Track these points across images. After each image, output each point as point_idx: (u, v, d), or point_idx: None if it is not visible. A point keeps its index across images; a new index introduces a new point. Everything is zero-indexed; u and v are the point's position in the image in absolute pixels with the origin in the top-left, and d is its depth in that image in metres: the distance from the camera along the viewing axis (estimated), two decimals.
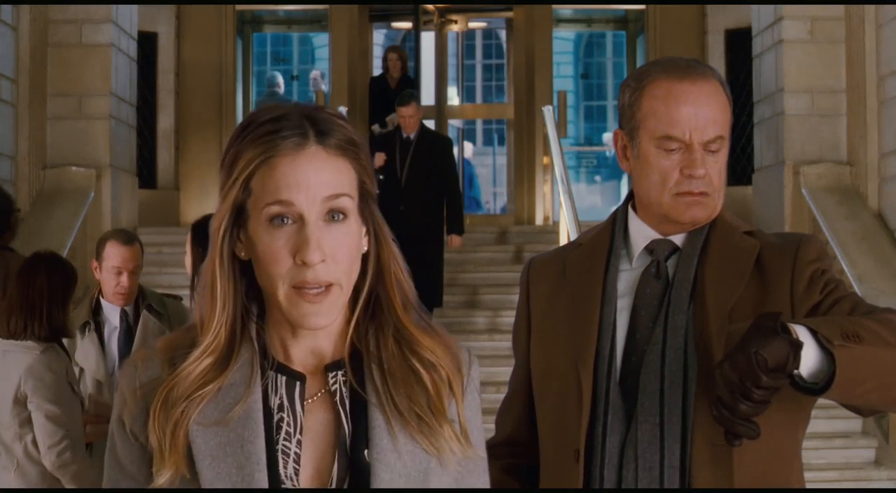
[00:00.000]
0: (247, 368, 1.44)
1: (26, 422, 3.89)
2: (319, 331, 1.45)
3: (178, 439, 1.39)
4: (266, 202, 1.40)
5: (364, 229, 1.46)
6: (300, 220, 1.39)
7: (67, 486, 3.91)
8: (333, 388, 1.46)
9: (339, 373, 1.46)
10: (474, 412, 1.52)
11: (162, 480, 1.39)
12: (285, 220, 1.39)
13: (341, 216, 1.41)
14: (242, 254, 1.45)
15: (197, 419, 1.40)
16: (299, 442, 1.43)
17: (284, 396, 1.44)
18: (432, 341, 1.48)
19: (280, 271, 1.39)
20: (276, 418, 1.43)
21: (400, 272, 1.49)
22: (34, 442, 3.89)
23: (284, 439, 1.42)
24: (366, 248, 1.47)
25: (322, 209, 1.40)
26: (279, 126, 1.41)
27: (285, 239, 1.39)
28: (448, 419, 1.45)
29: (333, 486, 1.42)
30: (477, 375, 1.54)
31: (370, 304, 1.48)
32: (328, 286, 1.40)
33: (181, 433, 1.39)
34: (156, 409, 1.41)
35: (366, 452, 1.42)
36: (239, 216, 1.44)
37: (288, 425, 1.43)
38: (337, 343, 1.48)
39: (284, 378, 1.45)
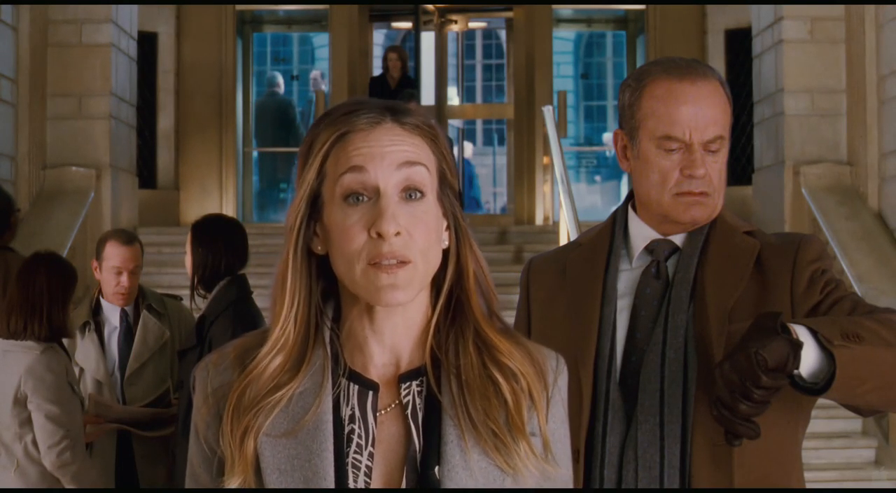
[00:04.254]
0: (318, 375, 1.39)
1: (26, 422, 3.89)
2: (399, 328, 1.40)
3: (248, 447, 1.36)
4: (339, 172, 1.36)
5: (445, 223, 1.42)
6: (375, 194, 1.35)
7: (67, 486, 3.91)
8: (406, 400, 1.40)
9: (413, 383, 1.40)
10: (559, 423, 1.44)
11: (230, 486, 1.36)
12: (361, 198, 1.35)
13: (418, 195, 1.36)
14: (319, 248, 1.40)
15: (266, 430, 1.36)
16: (371, 455, 1.38)
17: (356, 406, 1.39)
18: (513, 348, 1.42)
19: (356, 248, 1.34)
20: (347, 429, 1.38)
21: (482, 273, 1.43)
22: (34, 442, 3.89)
23: (355, 451, 1.38)
24: (446, 243, 1.42)
25: (398, 181, 1.35)
26: (355, 108, 1.39)
27: (359, 215, 1.35)
28: (526, 434, 1.38)
29: None
30: (564, 383, 1.46)
31: (451, 305, 1.43)
32: (404, 262, 1.34)
33: (250, 442, 1.36)
34: (229, 413, 1.37)
35: (437, 468, 1.36)
36: (314, 207, 1.40)
37: (359, 437, 1.38)
38: (416, 348, 1.42)
39: (357, 387, 1.40)
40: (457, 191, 1.44)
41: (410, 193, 1.36)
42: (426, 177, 1.38)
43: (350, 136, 1.37)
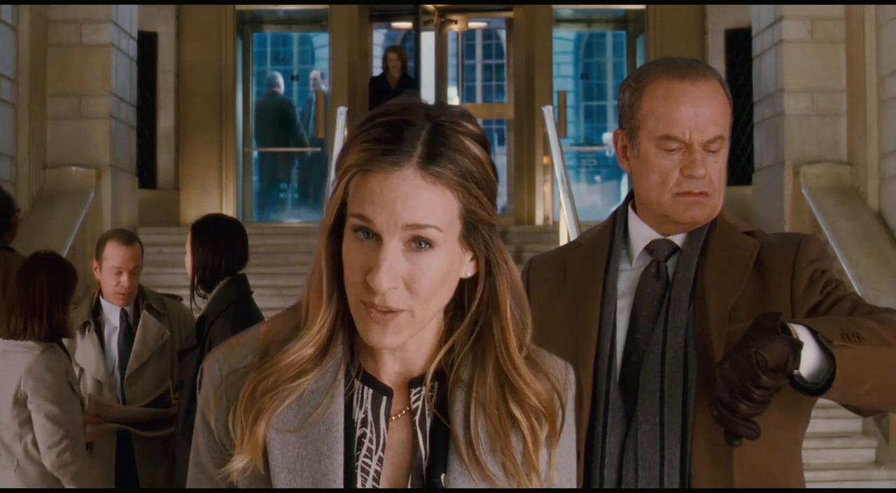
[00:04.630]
0: (332, 373, 1.38)
1: (26, 422, 3.89)
2: (411, 346, 1.38)
3: (259, 428, 1.34)
4: (351, 212, 1.33)
5: (470, 255, 1.37)
6: (379, 240, 1.31)
7: (67, 486, 3.91)
8: (415, 406, 1.39)
9: (423, 389, 1.40)
10: (566, 432, 1.45)
11: (236, 465, 1.35)
12: (368, 234, 1.32)
13: (426, 245, 1.31)
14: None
15: (276, 424, 1.35)
16: (381, 460, 1.37)
17: (370, 410, 1.38)
18: (533, 381, 1.40)
19: (352, 281, 1.33)
20: (358, 432, 1.37)
21: (520, 304, 1.40)
22: (34, 442, 3.89)
23: (365, 455, 1.37)
24: (471, 273, 1.38)
25: (404, 235, 1.31)
26: (392, 135, 1.31)
27: (361, 252, 1.32)
28: (539, 471, 1.38)
29: None
30: (573, 393, 1.47)
31: (474, 330, 1.40)
32: (397, 311, 1.32)
33: (262, 423, 1.34)
34: (244, 396, 1.36)
35: (443, 476, 1.36)
36: (344, 211, 1.36)
37: (370, 441, 1.37)
38: (428, 358, 1.40)
39: (371, 391, 1.39)
40: (492, 223, 1.38)
41: (420, 242, 1.32)
42: (435, 235, 1.32)
43: (370, 174, 1.32)
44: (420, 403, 1.40)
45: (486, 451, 1.37)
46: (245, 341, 1.42)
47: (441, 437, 1.38)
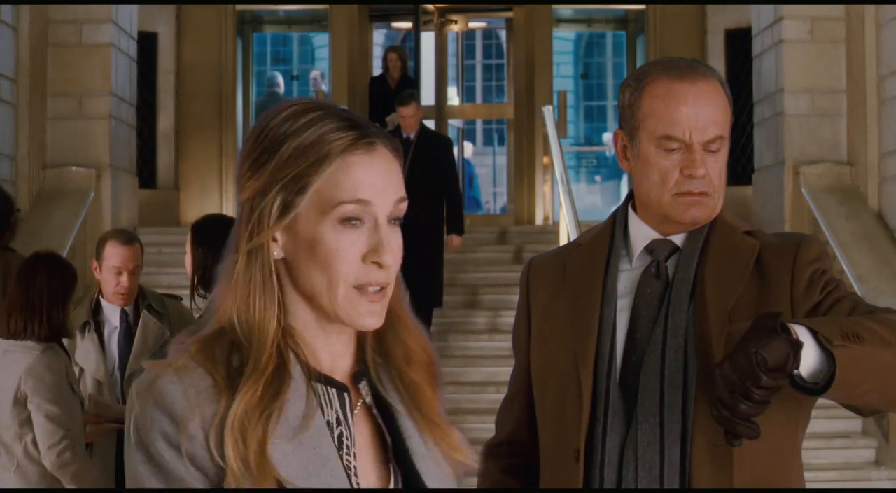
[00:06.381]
0: (299, 382, 1.37)
1: (26, 422, 3.89)
2: (345, 338, 1.43)
3: (266, 454, 1.30)
4: (341, 200, 1.35)
5: None
6: (374, 222, 1.37)
7: (67, 486, 3.91)
8: (368, 398, 1.44)
9: (365, 382, 1.45)
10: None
11: None
12: (357, 222, 1.36)
13: (396, 221, 1.40)
14: (275, 253, 1.38)
15: (271, 437, 1.33)
16: (355, 455, 1.40)
17: (339, 409, 1.40)
18: (413, 335, 1.48)
19: (344, 271, 1.35)
20: (336, 432, 1.39)
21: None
22: (34, 442, 3.89)
23: (346, 453, 1.39)
24: None
25: (392, 212, 1.39)
26: (349, 122, 1.40)
27: (353, 240, 1.36)
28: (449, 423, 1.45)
29: None
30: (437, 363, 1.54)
31: None
32: (385, 287, 1.39)
33: (267, 447, 1.31)
34: (233, 424, 1.30)
35: (411, 458, 1.42)
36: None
37: (346, 438, 1.39)
38: (353, 352, 1.45)
39: (335, 390, 1.40)
40: None
41: (394, 219, 1.40)
42: (405, 207, 1.42)
43: (356, 158, 1.36)
44: (370, 396, 1.44)
45: (425, 419, 1.44)
46: (187, 364, 1.35)
47: (393, 423, 1.43)
